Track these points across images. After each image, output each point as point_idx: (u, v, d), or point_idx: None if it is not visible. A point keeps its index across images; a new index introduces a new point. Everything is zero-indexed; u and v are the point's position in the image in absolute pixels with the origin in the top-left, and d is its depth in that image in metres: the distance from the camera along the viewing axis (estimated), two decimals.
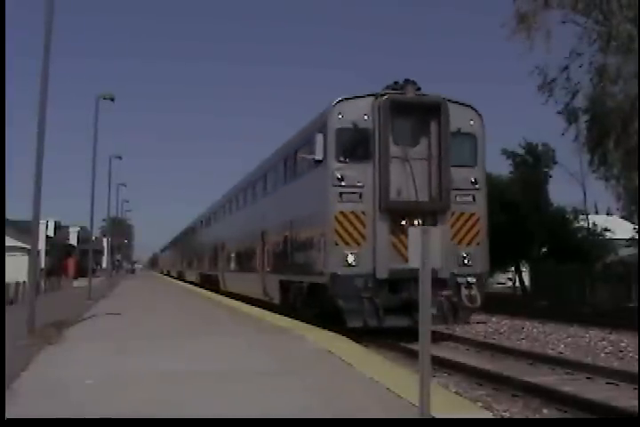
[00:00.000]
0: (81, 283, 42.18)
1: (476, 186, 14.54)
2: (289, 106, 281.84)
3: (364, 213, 13.71)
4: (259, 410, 6.11)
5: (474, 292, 13.89)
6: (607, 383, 9.71)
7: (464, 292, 13.85)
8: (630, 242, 36.89)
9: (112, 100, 26.69)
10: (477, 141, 14.82)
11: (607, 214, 54.93)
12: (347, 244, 13.59)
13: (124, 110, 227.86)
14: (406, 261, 12.16)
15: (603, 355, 13.19)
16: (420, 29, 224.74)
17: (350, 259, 13.48)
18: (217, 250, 33.07)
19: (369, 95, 14.22)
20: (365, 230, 13.64)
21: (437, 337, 14.02)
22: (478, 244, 14.34)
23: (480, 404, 8.07)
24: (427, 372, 5.40)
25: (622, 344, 14.51)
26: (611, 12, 21.84)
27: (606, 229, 38.82)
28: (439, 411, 5.60)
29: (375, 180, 13.70)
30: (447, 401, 6.58)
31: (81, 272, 60.97)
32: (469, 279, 13.94)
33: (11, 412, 5.80)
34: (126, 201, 67.22)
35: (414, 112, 14.31)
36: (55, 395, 6.90)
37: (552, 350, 13.69)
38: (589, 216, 39.06)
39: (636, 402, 7.95)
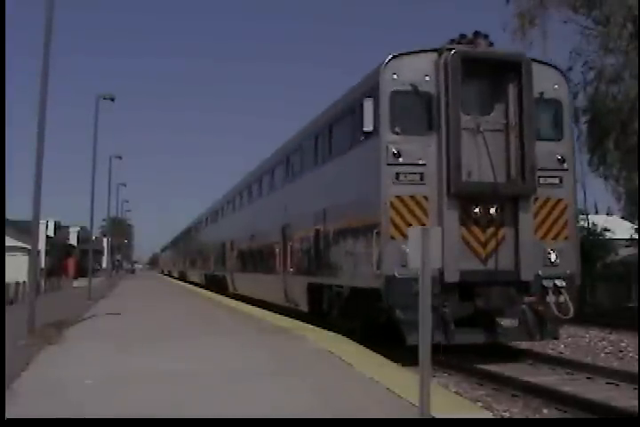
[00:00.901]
0: (81, 283, 42.19)
1: (564, 165, 11.78)
2: (292, 104, 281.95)
3: (426, 198, 11.02)
4: (258, 410, 6.11)
5: (564, 298, 11.20)
6: (607, 383, 9.70)
7: (552, 298, 11.16)
8: (630, 242, 36.89)
9: (112, 100, 26.76)
10: (564, 109, 12.11)
11: (607, 214, 54.91)
12: (406, 238, 11.37)
13: (125, 109, 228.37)
14: (481, 260, 11.05)
15: (603, 355, 13.19)
16: (420, 27, 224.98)
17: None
18: (225, 248, 29.96)
19: (430, 50, 11.52)
20: (428, 220, 10.92)
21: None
22: (567, 238, 11.68)
23: (480, 404, 8.08)
24: (427, 372, 5.40)
25: (622, 344, 14.50)
26: (612, 12, 21.83)
27: (606, 230, 38.81)
28: (439, 411, 5.60)
29: (441, 156, 11.00)
30: (447, 401, 6.58)
31: (81, 272, 61.00)
32: (558, 282, 11.27)
33: (11, 412, 5.80)
34: (126, 201, 67.46)
35: (489, 72, 11.67)
36: (55, 395, 6.91)
37: (552, 350, 13.68)
38: (589, 216, 39.06)
39: (635, 402, 7.94)
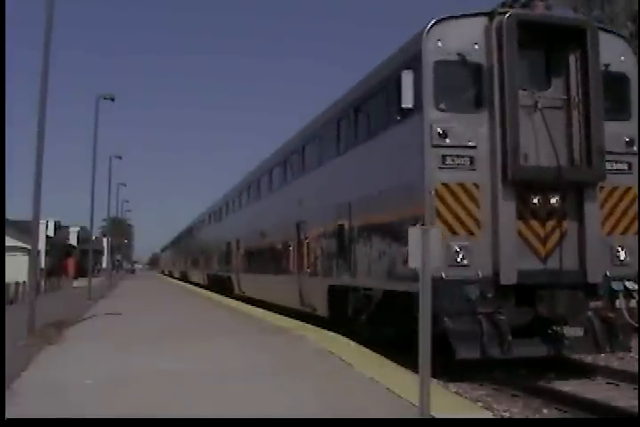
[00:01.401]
0: (81, 283, 42.18)
1: (633, 148, 10.18)
2: (294, 100, 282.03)
3: (476, 185, 9.52)
4: (258, 410, 6.11)
5: (635, 303, 9.74)
6: (607, 383, 9.69)
7: (622, 303, 9.63)
8: None
9: (112, 100, 26.76)
10: (630, 85, 10.50)
11: None
12: (454, 232, 9.38)
13: (124, 107, 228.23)
14: (540, 259, 9.62)
15: (603, 355, 13.15)
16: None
17: (460, 255, 9.34)
18: (230, 248, 28.06)
19: (480, 14, 10.02)
20: (480, 212, 9.48)
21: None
22: (637, 232, 10.12)
23: (480, 404, 8.08)
24: (426, 372, 5.40)
25: None
26: (613, 12, 21.84)
27: None
28: (439, 411, 5.60)
29: (495, 137, 9.53)
30: (447, 401, 6.58)
31: (81, 272, 61.00)
32: (629, 285, 9.70)
33: (11, 412, 5.80)
34: (126, 201, 67.44)
35: (547, 39, 10.15)
36: (55, 395, 6.91)
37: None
38: None
39: (635, 402, 7.94)
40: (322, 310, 14.39)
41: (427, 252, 5.56)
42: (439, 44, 9.79)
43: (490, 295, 9.19)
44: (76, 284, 45.39)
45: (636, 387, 9.02)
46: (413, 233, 5.67)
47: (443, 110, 9.66)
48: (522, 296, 9.41)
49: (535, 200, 9.65)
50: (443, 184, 9.43)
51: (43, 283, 33.18)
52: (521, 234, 9.57)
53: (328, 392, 7.03)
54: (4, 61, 13.95)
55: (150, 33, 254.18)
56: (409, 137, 10.12)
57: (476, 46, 9.84)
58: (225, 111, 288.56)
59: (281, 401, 6.58)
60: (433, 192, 9.37)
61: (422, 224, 8.90)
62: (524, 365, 9.97)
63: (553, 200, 9.68)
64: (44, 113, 12.93)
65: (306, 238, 15.95)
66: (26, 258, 32.09)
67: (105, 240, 75.20)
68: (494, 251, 9.40)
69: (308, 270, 15.68)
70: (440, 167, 9.46)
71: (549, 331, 9.55)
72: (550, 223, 9.71)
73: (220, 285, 31.31)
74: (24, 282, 25.06)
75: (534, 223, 9.67)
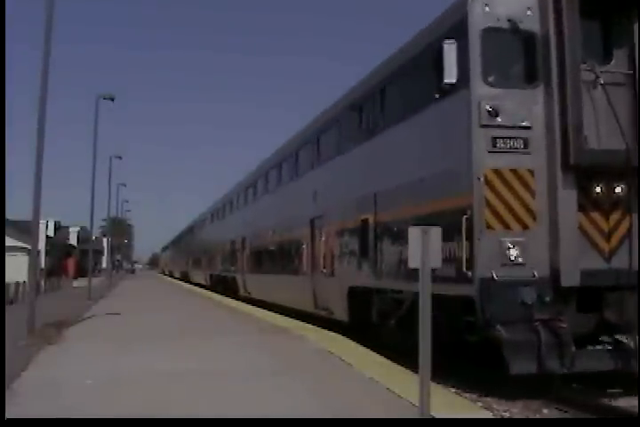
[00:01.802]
0: (81, 283, 42.18)
1: None
2: (300, 99, 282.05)
3: (531, 172, 8.34)
4: (258, 410, 6.11)
5: None
6: None
7: None
8: None
9: (112, 100, 26.77)
10: None
11: None
12: (506, 226, 8.19)
13: (126, 107, 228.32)
14: (604, 257, 8.43)
15: None
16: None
17: (513, 253, 8.12)
18: (235, 247, 26.68)
19: None
20: (536, 202, 8.32)
21: None
22: None
23: (480, 404, 8.07)
24: (426, 372, 5.40)
25: None
26: None
27: None
28: (439, 411, 5.60)
29: (552, 116, 8.36)
30: (447, 401, 6.58)
31: (81, 272, 61.01)
32: None
33: (11, 412, 5.80)
34: (126, 201, 67.47)
35: (607, 7, 8.93)
36: (55, 395, 6.90)
37: None
38: None
39: (636, 402, 7.93)
40: (340, 313, 13.04)
41: (427, 252, 5.55)
42: (487, 8, 8.60)
43: (548, 299, 7.98)
44: (75, 284, 45.38)
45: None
46: (413, 233, 5.66)
47: (492, 85, 8.48)
48: (585, 300, 8.20)
49: (598, 189, 8.43)
50: (493, 170, 8.25)
51: (43, 283, 33.17)
52: (581, 228, 8.35)
53: (328, 392, 7.03)
54: (4, 61, 13.94)
55: (151, 29, 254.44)
56: (452, 117, 8.94)
57: (529, 12, 8.64)
58: (227, 109, 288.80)
59: (281, 401, 6.58)
60: (482, 179, 8.20)
61: (469, 217, 8.21)
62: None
63: (618, 189, 8.47)
64: (44, 112, 12.93)
65: (321, 235, 14.60)
66: (26, 258, 32.07)
67: (105, 240, 75.19)
68: (552, 247, 8.23)
69: (325, 271, 14.24)
70: (490, 151, 8.30)
71: (613, 340, 8.31)
72: (615, 216, 8.55)
73: (224, 285, 30.17)
74: (24, 282, 25.05)
75: (596, 216, 8.47)
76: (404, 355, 8.82)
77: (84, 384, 7.41)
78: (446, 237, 8.08)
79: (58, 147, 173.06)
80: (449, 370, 8.54)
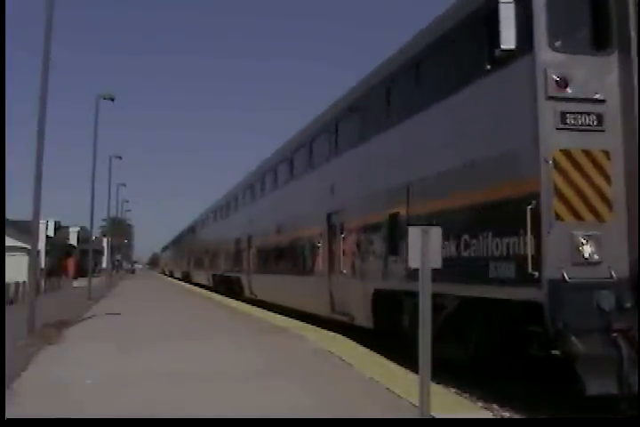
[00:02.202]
0: (81, 283, 42.19)
1: None
2: (300, 104, 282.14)
3: (607, 153, 7.12)
4: (258, 410, 6.11)
5: None
6: None
7: None
8: None
9: (112, 100, 26.77)
10: None
11: None
12: (578, 217, 7.02)
13: (125, 108, 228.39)
14: None
15: None
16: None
17: (588, 249, 6.93)
18: (239, 245, 25.42)
19: None
20: (612, 190, 7.09)
21: None
22: None
23: (480, 404, 8.07)
24: (426, 372, 5.39)
25: None
26: None
27: None
28: (439, 411, 5.60)
29: (630, 88, 7.15)
30: (447, 401, 6.58)
31: (81, 272, 61.00)
32: None
33: (11, 412, 5.80)
34: (126, 201, 67.45)
35: None
36: (55, 395, 6.91)
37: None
38: None
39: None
40: (363, 319, 11.65)
41: (427, 252, 5.55)
42: None
43: (629, 305, 6.74)
44: (75, 284, 45.40)
45: None
46: (413, 233, 5.65)
47: (559, 51, 7.26)
48: None
49: None
50: (562, 151, 7.03)
51: (43, 283, 33.17)
52: None
53: (328, 392, 7.02)
54: (4, 61, 13.94)
55: (150, 33, 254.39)
56: (511, 89, 7.71)
57: None
58: (227, 111, 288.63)
59: (280, 401, 6.57)
60: (550, 162, 6.97)
61: (534, 207, 7.01)
62: None
63: None
64: (44, 113, 12.92)
65: (340, 232, 13.18)
66: (26, 258, 32.06)
67: (105, 240, 75.18)
68: (632, 243, 6.97)
69: (344, 271, 12.79)
70: (558, 128, 7.07)
71: None
72: None
73: (228, 286, 28.85)
74: (24, 282, 25.04)
75: None
76: (442, 368, 7.52)
77: (83, 384, 7.41)
78: (504, 232, 7.49)
79: (58, 148, 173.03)
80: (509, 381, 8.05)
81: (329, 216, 14.03)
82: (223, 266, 30.22)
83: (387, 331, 10.89)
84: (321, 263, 14.46)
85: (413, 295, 8.70)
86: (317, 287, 14.45)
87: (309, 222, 15.56)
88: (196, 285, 42.62)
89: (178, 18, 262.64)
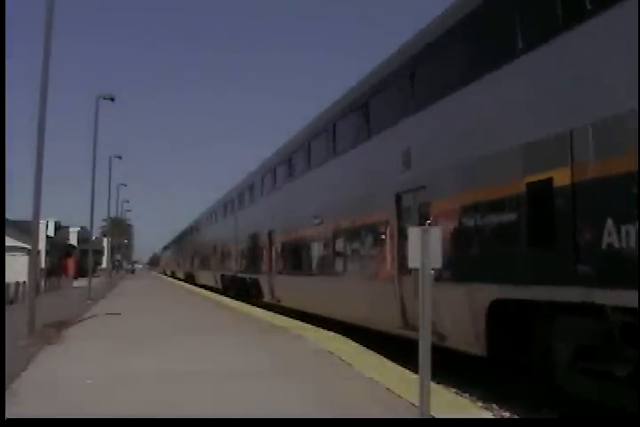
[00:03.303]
0: (81, 283, 42.19)
1: None
2: (295, 97, 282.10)
3: None
4: (257, 410, 6.11)
5: None
6: None
7: None
8: None
9: (112, 100, 26.77)
10: None
11: None
12: None
13: (125, 108, 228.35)
14: None
15: None
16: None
17: None
18: (257, 242, 22.02)
19: None
20: None
21: None
22: None
23: (480, 404, 8.07)
24: (427, 372, 5.39)
25: None
26: None
27: None
28: (439, 411, 5.60)
29: None
30: (447, 401, 6.58)
31: (81, 272, 61.00)
32: None
33: (11, 412, 5.80)
34: (126, 201, 67.44)
35: None
36: (55, 395, 6.90)
37: None
38: None
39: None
40: (468, 340, 8.26)
41: (427, 252, 5.54)
42: None
43: None
44: (75, 284, 45.40)
45: None
46: (413, 233, 5.65)
47: None
48: None
49: None
50: None
51: (43, 283, 33.16)
52: None
53: (327, 392, 7.02)
54: (4, 61, 13.93)
55: (154, 32, 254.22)
56: None
57: None
58: (227, 111, 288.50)
59: (280, 401, 6.57)
60: None
61: None
62: None
63: None
64: (44, 111, 12.91)
65: (420, 216, 9.73)
66: (26, 258, 32.06)
67: (105, 240, 75.15)
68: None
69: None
70: None
71: None
72: None
73: (241, 289, 25.59)
74: (24, 282, 25.05)
75: None
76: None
77: (83, 384, 7.41)
78: None
79: (58, 148, 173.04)
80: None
81: (399, 197, 10.45)
82: (234, 266, 26.94)
83: (510, 361, 8.04)
84: (387, 261, 10.72)
85: (567, 310, 6.61)
86: (379, 293, 10.98)
87: (364, 208, 11.95)
88: (203, 287, 38.86)
89: (178, 17, 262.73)
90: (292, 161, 18.15)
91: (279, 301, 19.05)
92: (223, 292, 30.35)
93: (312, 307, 15.78)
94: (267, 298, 20.56)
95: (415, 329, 7.96)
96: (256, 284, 22.23)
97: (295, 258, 17.32)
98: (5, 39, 13.76)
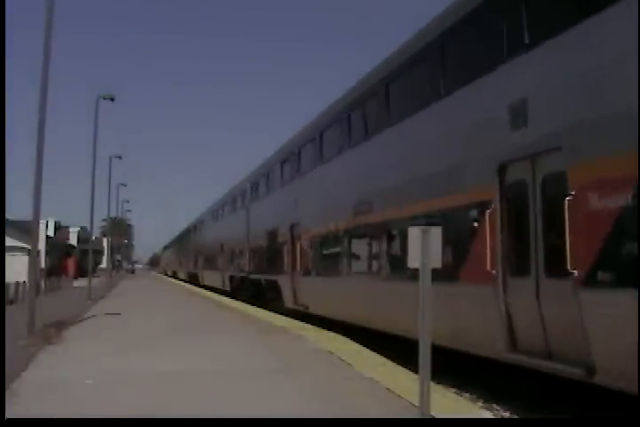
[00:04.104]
0: (81, 283, 42.19)
1: None
2: (293, 101, 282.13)
3: None
4: (257, 410, 6.11)
5: None
6: None
7: None
8: None
9: (112, 100, 26.76)
10: None
11: None
12: None
13: (126, 108, 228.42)
14: None
15: None
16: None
17: None
18: (276, 238, 19.05)
19: None
20: None
21: None
22: None
23: (480, 404, 8.07)
24: (426, 372, 5.39)
25: None
26: None
27: None
28: (439, 411, 5.60)
29: None
30: (447, 401, 6.58)
31: (81, 272, 61.00)
32: None
33: (11, 412, 5.79)
34: (126, 201, 67.46)
35: None
36: (55, 395, 6.90)
37: None
38: None
39: None
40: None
41: (427, 252, 5.54)
42: None
43: None
44: (75, 284, 45.41)
45: None
46: (413, 233, 5.64)
47: None
48: None
49: None
50: None
51: (43, 283, 33.17)
52: None
53: (327, 392, 7.02)
54: (4, 61, 13.93)
55: (153, 32, 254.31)
56: None
57: None
58: (227, 110, 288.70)
59: (280, 401, 6.57)
60: None
61: None
62: None
63: None
64: (44, 111, 12.92)
65: (559, 191, 6.64)
66: (26, 258, 32.06)
67: (105, 240, 75.15)
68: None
69: (573, 274, 6.37)
70: None
71: None
72: None
73: (255, 292, 22.94)
74: (24, 282, 25.05)
75: None
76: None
77: (83, 384, 7.41)
78: None
79: (58, 148, 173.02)
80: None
81: (502, 169, 7.68)
82: (246, 266, 23.97)
83: None
84: (480, 259, 7.97)
85: None
86: (471, 303, 8.33)
87: (443, 187, 9.02)
88: (211, 289, 35.29)
89: (177, 17, 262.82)
90: (323, 139, 15.01)
91: (306, 307, 15.85)
92: (232, 294, 27.60)
93: (356, 317, 12.49)
94: (288, 303, 17.61)
95: (535, 354, 6.94)
96: (274, 286, 19.25)
97: (332, 255, 13.99)
98: (5, 39, 13.77)
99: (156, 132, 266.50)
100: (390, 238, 11.05)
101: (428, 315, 5.52)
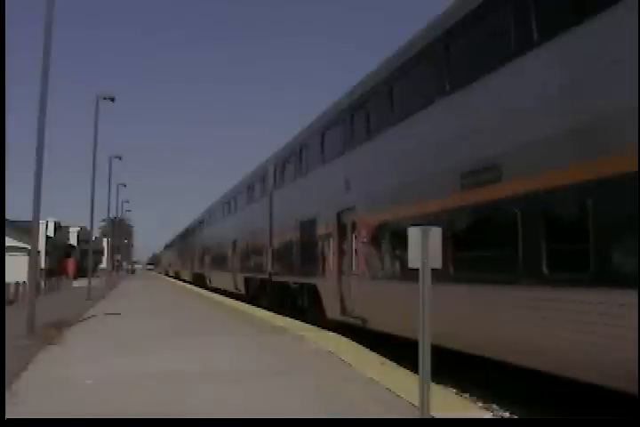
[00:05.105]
0: (81, 283, 42.18)
1: None
2: (293, 100, 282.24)
3: None
4: (257, 410, 6.11)
5: None
6: None
7: None
8: None
9: (112, 100, 26.76)
10: None
11: None
12: None
13: (124, 108, 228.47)
14: None
15: None
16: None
17: None
18: (312, 230, 15.33)
19: None
20: None
21: None
22: None
23: (480, 404, 8.07)
24: (426, 372, 5.39)
25: None
26: None
27: None
28: (439, 411, 5.60)
29: None
30: (447, 401, 6.58)
31: (81, 272, 60.99)
32: None
33: (11, 412, 5.79)
34: (126, 201, 67.46)
35: None
36: (55, 395, 6.90)
37: None
38: None
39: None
40: None
41: (427, 252, 5.54)
42: None
43: None
44: (75, 284, 45.40)
45: None
46: (413, 233, 5.64)
47: None
48: None
49: None
50: None
51: (42, 283, 33.16)
52: None
53: (327, 392, 7.02)
54: (4, 61, 13.93)
55: (154, 32, 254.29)
56: None
57: None
58: (227, 111, 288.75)
59: (280, 401, 6.57)
60: None
61: None
62: None
63: None
64: (44, 111, 12.92)
65: None
66: (26, 258, 32.05)
67: (105, 240, 75.14)
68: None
69: None
70: None
71: None
72: None
73: (282, 298, 19.03)
74: (24, 282, 25.04)
75: None
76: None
77: (83, 384, 7.41)
78: None
79: (58, 148, 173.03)
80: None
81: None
82: (268, 266, 20.13)
83: None
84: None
85: None
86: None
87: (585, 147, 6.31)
88: (222, 293, 31.00)
89: (177, 17, 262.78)
90: (393, 95, 11.17)
91: (364, 320, 11.94)
92: (249, 300, 23.61)
93: (455, 339, 8.67)
94: (332, 314, 13.89)
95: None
96: (311, 292, 15.38)
97: (394, 254, 10.81)
98: (5, 39, 13.77)
99: (155, 132, 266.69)
100: (479, 233, 8.33)
101: (428, 315, 5.52)
